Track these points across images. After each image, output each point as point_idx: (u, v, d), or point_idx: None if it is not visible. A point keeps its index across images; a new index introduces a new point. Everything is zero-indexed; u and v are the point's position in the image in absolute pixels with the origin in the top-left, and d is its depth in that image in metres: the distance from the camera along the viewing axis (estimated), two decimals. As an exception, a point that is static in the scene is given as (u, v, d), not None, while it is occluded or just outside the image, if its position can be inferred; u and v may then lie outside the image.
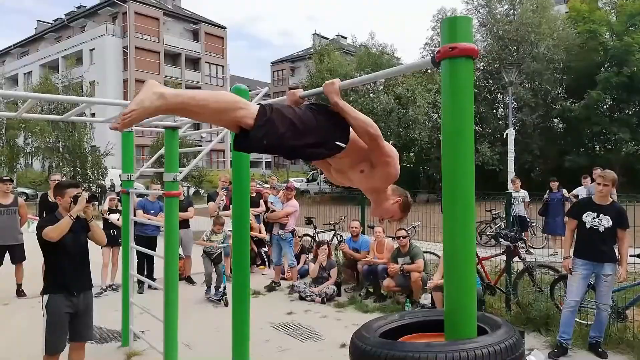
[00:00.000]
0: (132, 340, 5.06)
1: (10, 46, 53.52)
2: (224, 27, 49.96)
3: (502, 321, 1.86)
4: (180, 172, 4.20)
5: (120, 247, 7.48)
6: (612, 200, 4.77)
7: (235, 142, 1.97)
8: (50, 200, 7.45)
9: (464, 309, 1.77)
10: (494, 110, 28.67)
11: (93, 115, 30.46)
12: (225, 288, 6.68)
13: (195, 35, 47.70)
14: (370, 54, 28.17)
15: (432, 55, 1.85)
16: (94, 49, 42.49)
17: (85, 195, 3.66)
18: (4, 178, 7.33)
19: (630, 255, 5.30)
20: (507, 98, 24.04)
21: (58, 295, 3.62)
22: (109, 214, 7.63)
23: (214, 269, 7.02)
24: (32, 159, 33.85)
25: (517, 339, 1.72)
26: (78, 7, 48.83)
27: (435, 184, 27.16)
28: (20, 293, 7.13)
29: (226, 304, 6.59)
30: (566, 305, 4.76)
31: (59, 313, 3.60)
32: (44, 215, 7.43)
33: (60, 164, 27.61)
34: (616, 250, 4.66)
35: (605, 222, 4.58)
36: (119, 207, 7.75)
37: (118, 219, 7.55)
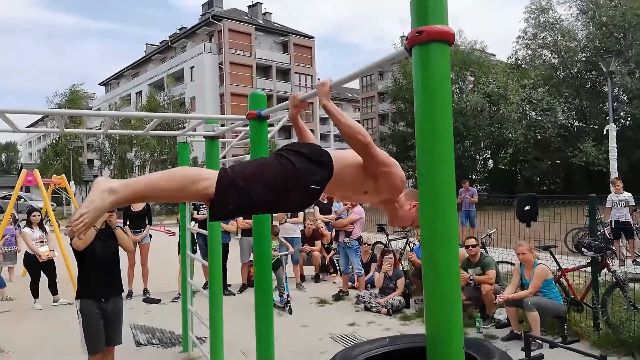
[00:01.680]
0: (191, 347, 5.18)
1: (124, 69, 59.19)
2: (311, 37, 51.03)
3: (497, 351, 1.54)
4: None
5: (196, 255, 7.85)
6: None
7: (209, 216, 1.89)
8: (132, 209, 7.96)
9: (447, 336, 1.50)
10: (600, 105, 26.02)
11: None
12: (289, 295, 6.65)
13: (284, 47, 49.27)
14: (458, 52, 27.02)
15: (404, 42, 1.61)
16: (193, 66, 45.58)
17: None
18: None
19: None
20: (615, 90, 21.73)
21: (88, 300, 3.79)
22: (194, 224, 7.90)
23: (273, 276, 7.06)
24: (142, 172, 37.11)
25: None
26: (180, 29, 52.73)
27: (534, 187, 25.23)
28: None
29: (290, 312, 6.56)
30: None
31: (92, 315, 3.76)
32: (128, 222, 7.98)
33: (164, 175, 29.83)
34: None
35: None
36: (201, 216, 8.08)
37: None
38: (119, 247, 4.10)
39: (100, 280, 3.84)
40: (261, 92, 3.06)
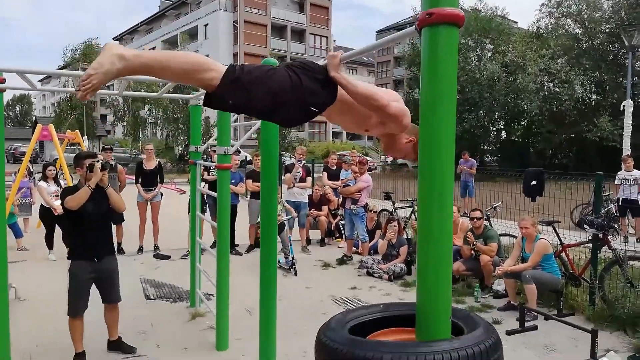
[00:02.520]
0: (198, 302, 5.40)
1: (138, 24, 58.55)
2: (329, -3, 49.84)
3: (482, 321, 1.64)
4: (232, 146, 4.30)
5: (206, 214, 8.03)
6: None
7: (204, 99, 1.93)
8: (144, 167, 8.12)
9: (436, 306, 1.60)
10: (620, 79, 25.39)
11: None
12: (294, 258, 6.83)
13: (301, 7, 48.26)
14: (478, 19, 26.29)
15: (414, 22, 1.64)
16: (207, 24, 44.96)
17: (99, 164, 3.78)
18: (105, 147, 8.11)
19: None
20: (637, 64, 21.14)
21: (80, 261, 3.81)
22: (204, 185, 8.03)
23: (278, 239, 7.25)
24: (154, 129, 37.27)
25: (496, 340, 1.51)
26: (195, -15, 51.74)
27: (546, 161, 25.02)
28: (120, 251, 7.91)
29: (295, 274, 6.75)
30: None
31: (80, 278, 3.80)
32: (140, 180, 8.15)
33: (177, 133, 29.97)
34: None
35: None
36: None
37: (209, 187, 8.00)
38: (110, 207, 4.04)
39: (93, 240, 3.85)
40: (273, 59, 3.08)
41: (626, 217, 9.01)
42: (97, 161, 3.86)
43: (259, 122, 4.25)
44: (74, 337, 3.91)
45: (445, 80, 1.55)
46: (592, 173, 5.71)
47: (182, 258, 7.75)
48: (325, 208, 8.87)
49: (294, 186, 8.24)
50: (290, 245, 7.01)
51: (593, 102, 24.94)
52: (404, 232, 7.42)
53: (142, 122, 31.40)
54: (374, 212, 8.38)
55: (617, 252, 5.26)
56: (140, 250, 8.07)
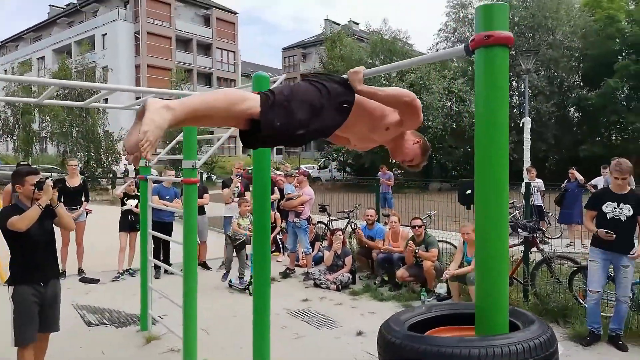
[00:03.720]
0: (150, 325, 5.11)
1: (24, 31, 53.74)
2: (235, 13, 49.73)
3: (534, 317, 1.83)
4: (199, 159, 4.20)
5: (138, 233, 7.60)
6: (630, 188, 4.71)
7: (245, 137, 1.96)
8: (67, 184, 7.51)
9: (496, 303, 1.75)
10: (509, 98, 28.29)
11: (106, 101, 30.68)
12: (251, 277, 6.66)
13: (206, 21, 47.56)
14: (383, 41, 27.87)
15: (465, 43, 1.81)
16: (106, 34, 42.54)
17: (50, 182, 3.53)
18: (22, 163, 7.40)
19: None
20: (521, 86, 23.74)
21: (24, 286, 3.50)
22: (127, 200, 7.66)
23: (234, 256, 7.07)
24: (46, 144, 34.21)
25: (551, 335, 1.69)
26: (90, -8, 48.75)
27: (448, 173, 26.97)
28: None
29: (251, 294, 6.56)
30: (589, 298, 4.74)
31: (26, 304, 3.49)
32: (62, 199, 7.51)
33: (75, 148, 27.82)
34: (636, 242, 4.61)
35: (627, 211, 4.53)
36: (136, 193, 7.81)
37: (136, 205, 7.61)
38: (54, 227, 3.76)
39: (38, 263, 3.55)
40: (265, 73, 3.10)
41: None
42: (46, 178, 3.59)
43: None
44: None
45: (502, 94, 1.73)
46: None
47: (113, 280, 7.27)
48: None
49: (232, 201, 8.10)
50: (251, 263, 6.84)
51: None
52: (347, 242, 7.62)
53: (35, 136, 28.74)
54: (313, 224, 8.51)
55: (545, 253, 5.89)
56: (63, 274, 7.39)
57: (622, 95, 25.98)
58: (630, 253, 4.53)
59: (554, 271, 5.81)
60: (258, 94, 1.96)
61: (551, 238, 9.69)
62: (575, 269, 5.68)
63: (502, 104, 1.73)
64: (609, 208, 4.61)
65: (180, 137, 4.99)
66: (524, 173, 11.89)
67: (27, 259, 3.51)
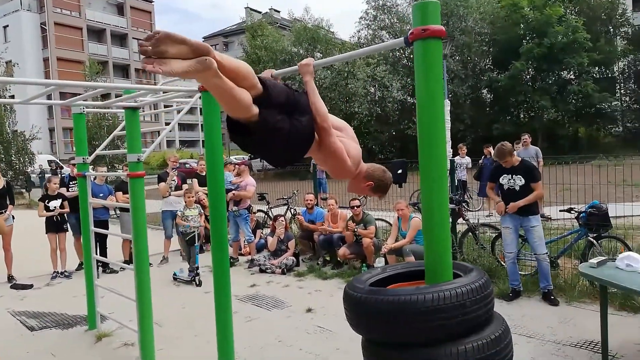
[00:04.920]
0: (99, 323, 5.06)
1: None
2: (151, 1, 47.69)
3: (472, 267, 2.17)
4: (144, 152, 4.22)
5: (66, 233, 7.36)
6: (520, 159, 5.33)
7: (234, 127, 2.06)
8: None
9: (442, 258, 2.07)
10: (428, 82, 29.66)
11: (12, 97, 28.45)
12: (198, 268, 6.70)
13: (120, 10, 45.29)
14: (306, 29, 28.10)
15: (404, 36, 2.08)
16: (7, 25, 39.29)
17: None
18: None
19: (560, 210, 5.97)
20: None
21: None
22: (48, 202, 7.33)
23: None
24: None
25: (487, 280, 2.03)
26: (-15, -21, 44.61)
27: (376, 156, 27.91)
28: None
29: (198, 284, 6.59)
30: (507, 259, 5.34)
31: None
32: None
33: (-19, 150, 25.64)
34: (550, 209, 5.25)
35: (519, 180, 5.17)
36: (59, 193, 7.53)
37: (61, 206, 7.34)
38: None
39: None
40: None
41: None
42: None
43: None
44: None
45: (437, 82, 2.03)
46: (414, 161, 7.01)
47: (47, 285, 7.05)
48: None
49: (169, 195, 8.04)
50: (197, 255, 6.87)
51: (409, 104, 28.70)
52: (289, 227, 7.85)
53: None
54: (253, 213, 8.65)
55: (470, 222, 6.48)
56: (-7, 282, 7.04)
57: (528, 77, 28.17)
58: (534, 223, 5.12)
59: (479, 238, 6.42)
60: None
61: (473, 210, 10.51)
62: (496, 235, 6.30)
63: (438, 87, 2.03)
64: (504, 180, 5.25)
65: (118, 131, 4.96)
66: (447, 152, 12.72)
67: None
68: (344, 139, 2.45)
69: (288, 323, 5.08)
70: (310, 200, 7.78)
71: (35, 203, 7.54)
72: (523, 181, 5.14)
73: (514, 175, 5.19)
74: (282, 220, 7.36)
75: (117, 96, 4.40)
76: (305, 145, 2.25)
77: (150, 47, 1.65)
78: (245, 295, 6.11)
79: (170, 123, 4.26)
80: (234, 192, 7.63)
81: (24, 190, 23.37)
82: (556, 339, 4.28)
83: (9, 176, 25.26)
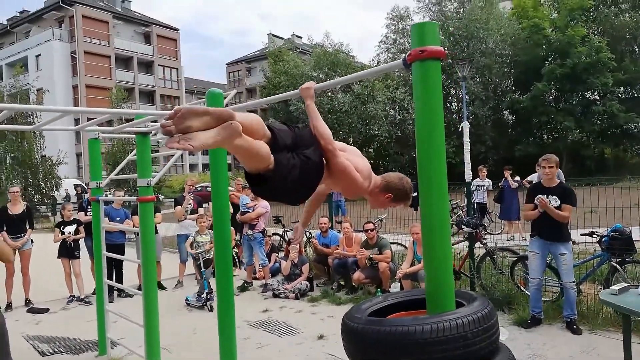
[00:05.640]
0: (109, 348, 5.03)
1: (-52, 54, 50.59)
2: (176, 29, 49.14)
3: (476, 295, 2.06)
4: (154, 177, 4.24)
5: (79, 259, 7.41)
6: (558, 181, 5.17)
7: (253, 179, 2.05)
8: (10, 212, 7.25)
9: (443, 286, 1.97)
10: (448, 105, 29.59)
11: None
12: (209, 293, 6.63)
13: (147, 38, 46.69)
14: (326, 54, 28.45)
15: (403, 57, 2.03)
16: (40, 54, 40.86)
17: None
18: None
19: (582, 234, 5.75)
20: (459, 92, 24.91)
21: None
22: (63, 227, 7.44)
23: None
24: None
25: (491, 309, 1.92)
26: (21, 12, 46.76)
27: (395, 179, 27.72)
28: None
29: (210, 309, 6.52)
30: (530, 284, 5.14)
31: None
32: (4, 227, 7.23)
33: (10, 176, 26.43)
34: (571, 232, 5.04)
35: (554, 202, 4.96)
36: (75, 218, 7.64)
37: (75, 232, 7.42)
38: None
39: None
40: (219, 90, 3.23)
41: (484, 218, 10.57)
42: None
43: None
44: None
45: (436, 103, 1.97)
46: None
47: (63, 309, 7.09)
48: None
49: (185, 218, 8.07)
50: (205, 280, 6.81)
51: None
52: (304, 251, 7.77)
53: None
54: (268, 236, 8.60)
55: (488, 246, 6.29)
56: (9, 307, 7.10)
57: (550, 98, 27.81)
58: (563, 250, 4.91)
59: (497, 263, 6.21)
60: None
61: (493, 234, 10.25)
62: (515, 259, 6.09)
63: (437, 109, 1.97)
64: (538, 200, 5.04)
65: (131, 157, 5.00)
66: (466, 175, 12.54)
67: None
68: (349, 156, 2.43)
69: (299, 350, 4.96)
70: (324, 223, 7.70)
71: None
72: (558, 202, 4.94)
73: (549, 196, 5.00)
74: (295, 244, 7.28)
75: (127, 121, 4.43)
76: (318, 176, 2.26)
77: (174, 126, 1.62)
78: (257, 320, 6.01)
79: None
80: (238, 216, 7.61)
81: (49, 214, 23.86)
82: (579, 371, 4.06)
83: (36, 200, 25.94)
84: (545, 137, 29.48)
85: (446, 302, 1.95)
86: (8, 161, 26.61)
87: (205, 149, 1.74)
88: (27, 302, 7.26)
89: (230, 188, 10.04)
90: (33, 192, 26.26)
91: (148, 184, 4.13)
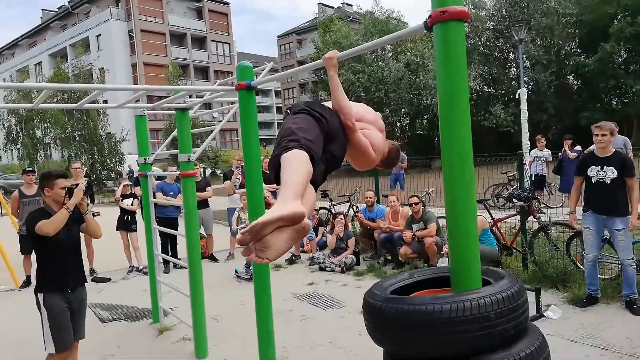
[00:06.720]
0: (162, 317, 5.29)
1: (18, 38, 53.80)
2: (227, 3, 49.41)
3: (505, 273, 1.95)
4: (194, 152, 4.32)
5: (136, 232, 7.77)
6: (614, 150, 4.78)
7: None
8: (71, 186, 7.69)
9: (468, 263, 1.87)
10: (507, 71, 28.15)
11: (105, 102, 30.78)
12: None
13: (199, 14, 47.33)
14: (376, 22, 27.69)
15: (424, 20, 1.90)
16: (100, 34, 42.53)
17: (83, 186, 3.50)
18: (28, 169, 7.56)
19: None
20: (518, 57, 23.58)
21: (54, 294, 3.44)
22: (122, 200, 7.81)
23: None
24: (50, 150, 34.48)
25: (519, 289, 1.81)
26: (80, -7, 48.66)
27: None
28: (29, 283, 7.33)
29: None
30: (586, 260, 4.87)
31: (60, 309, 3.43)
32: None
33: (79, 152, 28.09)
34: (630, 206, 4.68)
35: (611, 173, 4.60)
36: (132, 192, 7.99)
37: (132, 204, 7.78)
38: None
39: (65, 270, 3.49)
40: (248, 63, 3.21)
41: (539, 191, 10.09)
42: (76, 185, 3.53)
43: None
44: None
45: (459, 68, 1.83)
46: (492, 155, 6.56)
47: (124, 278, 7.51)
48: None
49: (234, 192, 8.24)
50: None
51: (485, 94, 27.36)
52: (349, 225, 7.76)
53: (39, 142, 28.96)
54: (316, 210, 8.64)
55: (542, 221, 6.00)
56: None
57: (620, 60, 25.76)
58: (620, 226, 4.59)
59: (551, 238, 5.92)
60: (298, 147, 1.95)
61: (554, 207, 9.77)
62: (572, 234, 5.77)
63: (460, 75, 1.83)
64: (593, 172, 4.71)
65: (175, 133, 5.13)
66: (523, 144, 11.95)
67: (55, 265, 3.45)
68: (367, 130, 2.41)
69: (342, 324, 5.00)
70: (370, 197, 7.62)
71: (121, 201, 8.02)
72: (615, 173, 4.57)
73: (605, 167, 4.62)
74: (340, 218, 7.28)
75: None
76: (340, 163, 2.34)
77: (250, 238, 1.63)
78: (302, 293, 6.11)
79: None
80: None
81: (115, 188, 25.24)
82: (636, 353, 3.83)
83: (103, 174, 27.49)
84: (614, 102, 27.44)
85: (471, 280, 1.86)
86: (76, 139, 28.24)
87: (282, 254, 1.76)
88: (92, 271, 7.74)
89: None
90: (100, 167, 27.82)
91: (189, 159, 4.22)
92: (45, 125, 28.00)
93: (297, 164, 1.84)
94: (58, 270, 3.46)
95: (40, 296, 3.44)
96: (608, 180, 4.62)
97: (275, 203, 1.71)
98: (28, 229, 3.43)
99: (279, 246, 1.67)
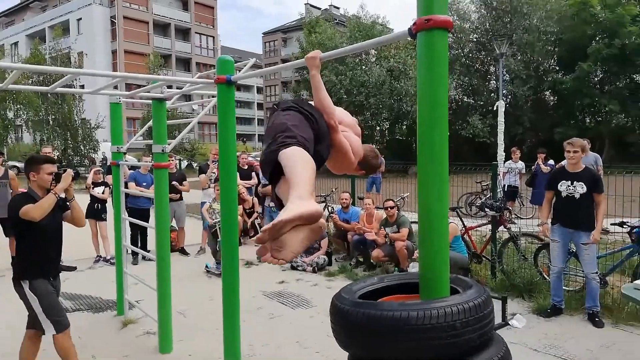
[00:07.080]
0: (127, 309, 5.17)
1: (-6, 16, 52.22)
2: (214, -3, 48.92)
3: (472, 282, 1.96)
4: (169, 144, 4.24)
5: (105, 221, 7.60)
6: (584, 166, 4.91)
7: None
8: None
9: (437, 271, 1.87)
10: (486, 83, 28.64)
11: (82, 87, 30.13)
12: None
13: (184, 5, 46.77)
14: (361, 26, 27.81)
15: (408, 27, 1.90)
16: (81, 18, 41.62)
17: (71, 172, 3.41)
18: (-5, 152, 7.32)
19: (611, 224, 5.48)
20: (498, 70, 24.05)
21: (40, 279, 3.35)
22: (92, 188, 7.64)
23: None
24: (22, 132, 33.55)
25: (485, 299, 1.82)
26: (63, -25, 47.48)
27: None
28: None
29: None
30: (552, 272, 4.98)
31: (47, 290, 3.36)
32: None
33: (51, 137, 27.42)
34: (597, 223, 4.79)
35: (580, 188, 4.72)
36: (104, 180, 7.83)
37: (103, 192, 7.61)
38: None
39: (48, 257, 3.41)
40: (229, 57, 3.16)
41: (512, 201, 10.28)
42: (63, 170, 3.42)
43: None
44: (70, 353, 3.44)
45: (441, 77, 1.83)
46: (467, 164, 6.60)
47: (90, 268, 7.34)
48: (240, 207, 8.88)
49: (209, 187, 8.15)
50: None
51: (464, 104, 27.78)
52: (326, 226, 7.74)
53: (10, 124, 28.13)
54: (290, 209, 8.60)
55: (512, 231, 6.10)
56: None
57: (596, 79, 26.46)
58: (584, 242, 4.70)
59: (520, 249, 6.03)
60: (296, 144, 1.90)
61: (524, 218, 9.96)
62: (540, 246, 5.89)
63: (441, 84, 1.83)
64: (563, 187, 4.82)
65: (151, 123, 5.03)
66: (499, 156, 12.15)
67: (38, 252, 3.33)
68: (346, 132, 2.40)
69: (310, 323, 4.98)
70: (346, 199, 7.63)
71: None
72: (585, 189, 4.69)
73: (575, 182, 4.74)
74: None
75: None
76: (324, 161, 2.29)
77: (269, 236, 1.57)
78: (272, 291, 6.07)
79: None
80: (260, 188, 7.64)
81: (87, 175, 24.72)
82: (594, 365, 3.92)
83: (75, 160, 26.85)
84: (588, 120, 28.17)
85: (440, 288, 1.86)
86: (50, 122, 27.57)
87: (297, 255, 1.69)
88: (56, 259, 7.54)
89: (246, 155, 10.08)
90: (72, 153, 27.20)
91: (163, 150, 4.14)
92: (18, 106, 27.21)
93: (304, 161, 1.76)
94: (40, 257, 3.36)
95: (25, 283, 3.32)
96: (577, 195, 4.72)
97: (290, 201, 1.62)
98: (10, 213, 3.28)
99: (295, 246, 1.60)
